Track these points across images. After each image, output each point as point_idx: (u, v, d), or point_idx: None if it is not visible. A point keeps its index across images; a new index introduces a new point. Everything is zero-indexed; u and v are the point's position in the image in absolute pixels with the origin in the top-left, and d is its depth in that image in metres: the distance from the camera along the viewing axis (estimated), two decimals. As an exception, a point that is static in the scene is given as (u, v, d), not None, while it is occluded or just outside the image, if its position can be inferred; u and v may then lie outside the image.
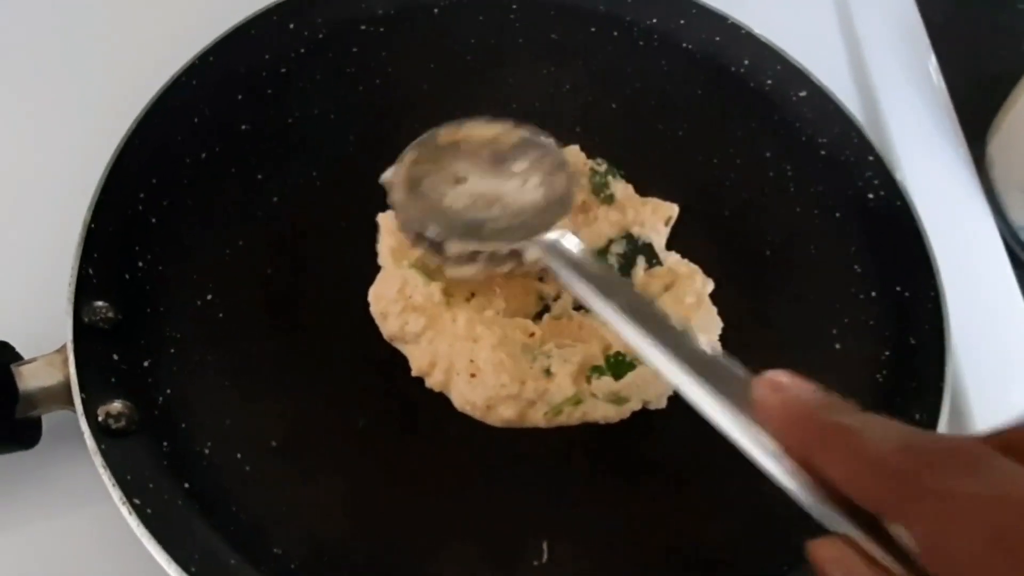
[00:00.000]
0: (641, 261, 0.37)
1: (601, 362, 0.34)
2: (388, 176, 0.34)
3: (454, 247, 0.32)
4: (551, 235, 0.31)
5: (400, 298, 0.34)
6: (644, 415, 0.34)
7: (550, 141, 0.36)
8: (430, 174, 0.34)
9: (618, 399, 0.33)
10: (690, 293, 0.36)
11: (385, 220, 0.37)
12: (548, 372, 0.33)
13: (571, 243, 0.31)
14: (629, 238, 0.38)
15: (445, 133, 0.35)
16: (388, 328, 0.34)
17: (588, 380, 0.33)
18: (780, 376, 0.22)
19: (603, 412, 0.33)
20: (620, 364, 0.34)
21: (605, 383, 0.33)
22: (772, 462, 0.22)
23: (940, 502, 0.18)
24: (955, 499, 0.18)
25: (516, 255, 0.32)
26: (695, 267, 0.37)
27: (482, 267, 0.33)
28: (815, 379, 0.34)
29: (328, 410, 0.33)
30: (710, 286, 0.36)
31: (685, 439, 0.32)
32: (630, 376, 0.33)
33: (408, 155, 0.35)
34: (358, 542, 0.30)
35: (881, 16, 0.53)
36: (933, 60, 0.51)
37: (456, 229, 0.32)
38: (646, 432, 0.34)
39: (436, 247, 0.32)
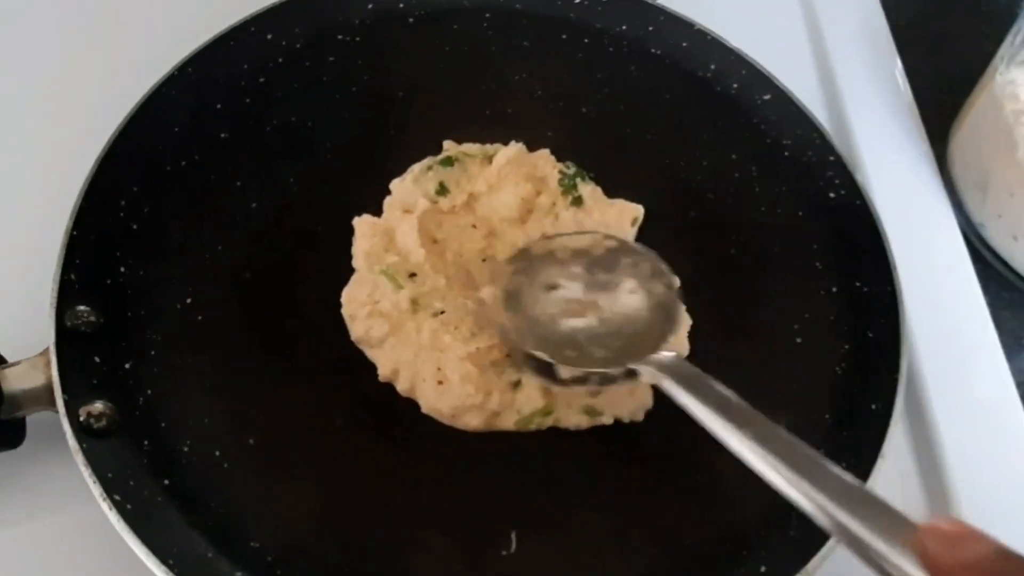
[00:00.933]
0: (609, 261, 0.38)
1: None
2: (486, 295, 0.34)
3: (564, 371, 0.31)
4: (665, 355, 0.30)
5: (368, 302, 0.35)
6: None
7: (642, 248, 0.35)
8: (527, 286, 0.34)
9: (592, 412, 0.34)
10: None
11: (360, 224, 0.38)
12: (517, 385, 0.34)
13: (680, 361, 0.30)
14: (597, 239, 0.39)
15: (539, 245, 0.35)
16: (355, 331, 0.35)
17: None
18: (945, 525, 0.21)
19: (575, 421, 0.34)
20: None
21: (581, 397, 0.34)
22: None
23: None
24: None
25: (631, 373, 0.31)
26: (662, 266, 0.38)
27: (594, 387, 0.32)
28: (779, 373, 0.37)
29: (304, 409, 0.34)
30: (676, 284, 0.38)
31: (651, 445, 0.34)
32: (607, 391, 0.34)
33: (506, 269, 0.34)
34: (332, 535, 0.31)
35: (847, 19, 0.55)
36: (898, 62, 0.53)
37: (558, 345, 0.31)
38: (613, 436, 0.34)
39: (545, 370, 0.31)
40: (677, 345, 0.35)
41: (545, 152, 0.41)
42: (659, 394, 0.34)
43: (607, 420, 0.34)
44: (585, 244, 0.35)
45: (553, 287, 0.34)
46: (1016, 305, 0.44)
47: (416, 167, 0.40)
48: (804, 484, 0.24)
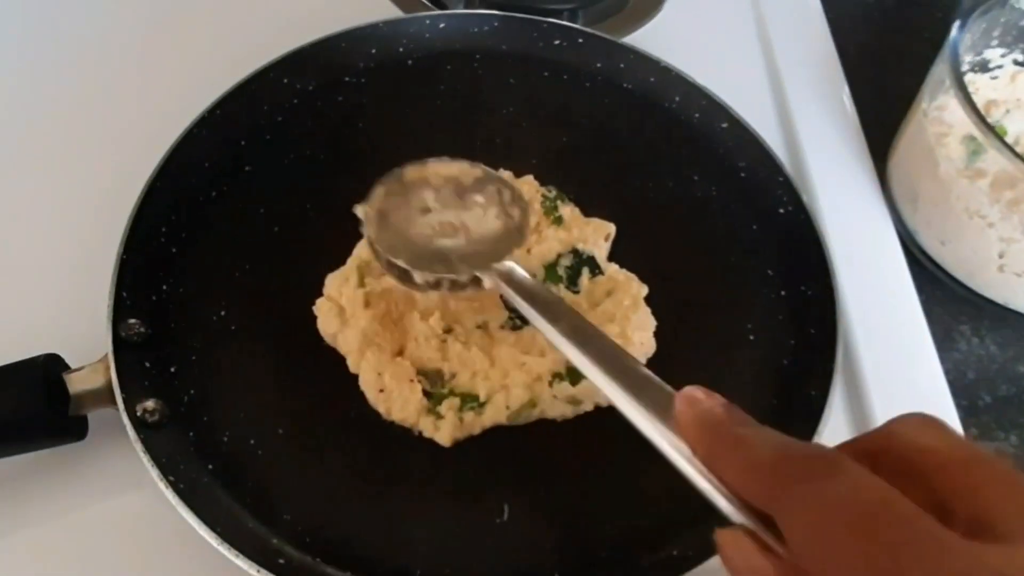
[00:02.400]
0: (586, 271, 0.44)
1: (562, 370, 0.39)
2: (360, 210, 0.38)
3: (419, 276, 0.36)
4: (505, 264, 0.35)
5: (332, 299, 0.40)
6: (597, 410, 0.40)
7: (506, 178, 0.41)
8: (399, 207, 0.38)
9: (574, 401, 0.39)
10: (628, 297, 0.43)
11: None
12: (435, 411, 0.38)
13: (523, 273, 0.35)
14: (575, 252, 0.44)
15: (411, 170, 0.39)
16: (320, 326, 0.41)
17: (550, 384, 0.39)
18: (696, 392, 0.26)
19: (560, 411, 0.39)
20: (577, 373, 0.37)
21: (564, 388, 0.39)
22: (687, 465, 0.26)
23: (802, 501, 0.21)
24: (813, 498, 0.21)
25: (476, 282, 0.36)
26: (632, 275, 0.44)
27: (447, 292, 0.37)
28: (733, 366, 0.42)
29: (324, 402, 0.39)
30: (645, 290, 0.43)
31: (626, 427, 0.39)
32: (585, 382, 0.38)
33: (378, 191, 0.38)
34: (349, 508, 0.36)
35: (799, 46, 0.60)
36: (846, 86, 0.59)
37: (424, 257, 0.36)
38: (593, 419, 0.40)
39: (405, 275, 0.36)
40: (644, 344, 0.41)
41: (530, 178, 0.47)
42: None
43: (588, 407, 0.39)
44: (454, 172, 0.39)
45: (427, 210, 0.38)
46: (946, 302, 0.49)
47: None
48: (598, 366, 0.30)
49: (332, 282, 0.42)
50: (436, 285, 0.36)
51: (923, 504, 0.21)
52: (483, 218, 0.38)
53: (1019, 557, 0.19)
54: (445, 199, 0.39)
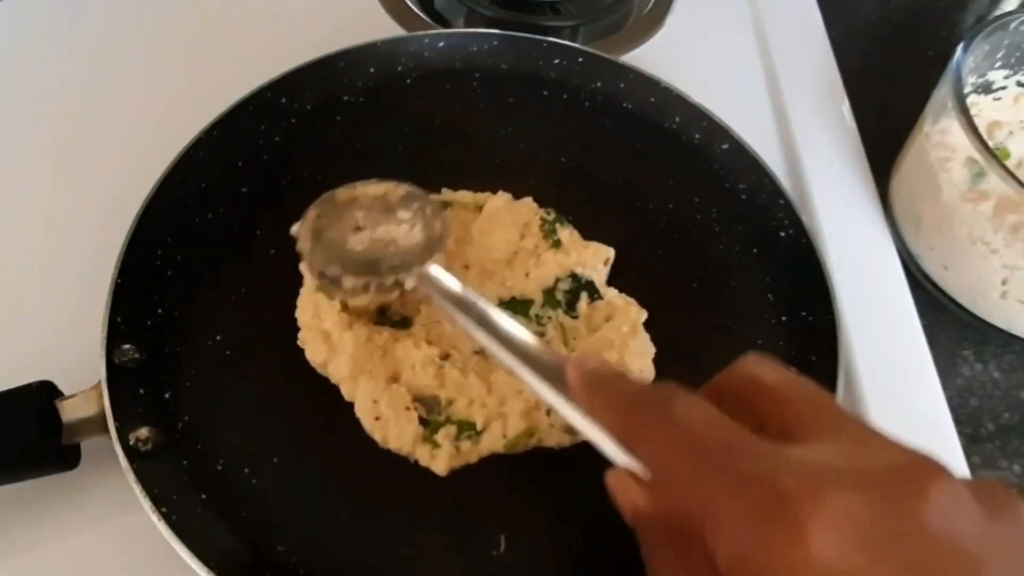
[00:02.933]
0: (584, 296, 0.43)
1: None
2: (295, 229, 0.41)
3: (347, 281, 0.39)
4: (425, 267, 0.38)
5: (314, 324, 0.40)
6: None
7: (427, 195, 0.42)
8: (332, 226, 0.41)
9: (572, 430, 0.37)
10: (626, 323, 0.42)
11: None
12: (432, 439, 0.38)
13: (438, 272, 0.38)
14: (574, 277, 0.44)
15: (342, 192, 0.42)
16: (309, 357, 0.41)
17: (548, 413, 0.38)
18: (584, 358, 0.30)
19: (557, 439, 0.38)
20: None
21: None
22: (580, 420, 0.30)
23: (647, 429, 0.27)
24: (654, 425, 0.26)
25: (399, 285, 0.38)
26: (631, 300, 0.43)
27: (373, 296, 0.39)
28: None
29: (320, 429, 0.39)
30: (644, 316, 0.43)
31: None
32: None
33: (312, 211, 0.41)
34: (345, 540, 0.36)
35: (801, 66, 0.60)
36: (847, 105, 0.58)
37: (356, 268, 0.39)
38: (590, 449, 0.39)
39: (335, 282, 0.39)
40: (643, 371, 0.41)
41: (528, 200, 0.46)
42: None
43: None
44: (381, 191, 0.42)
45: (359, 228, 0.41)
46: (949, 328, 0.49)
47: None
48: (500, 345, 0.33)
49: (303, 306, 0.42)
50: (364, 288, 0.39)
51: (748, 425, 0.25)
52: (409, 232, 0.41)
53: (810, 452, 0.24)
54: (374, 217, 0.41)
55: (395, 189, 0.42)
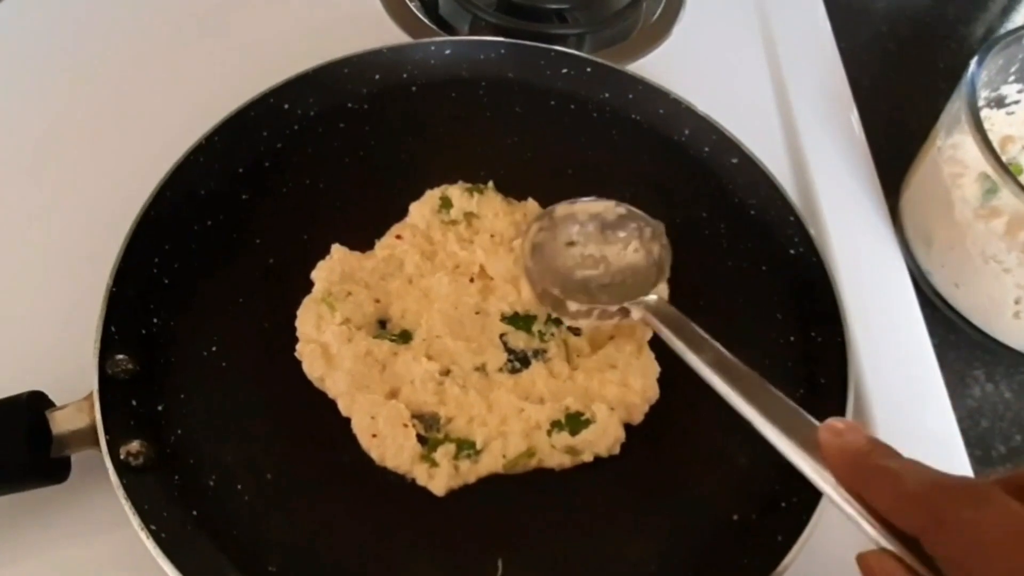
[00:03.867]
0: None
1: (562, 418, 0.38)
2: (517, 245, 0.41)
3: (573, 304, 0.39)
4: (651, 297, 0.38)
5: (314, 336, 0.40)
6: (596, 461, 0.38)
7: (646, 216, 0.42)
8: (548, 241, 0.41)
9: (573, 451, 0.38)
10: (631, 341, 0.41)
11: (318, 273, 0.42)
12: (430, 457, 0.37)
13: (666, 304, 0.38)
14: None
15: (561, 208, 0.42)
16: (306, 371, 0.40)
17: (548, 433, 0.38)
18: (839, 423, 0.29)
19: (558, 460, 0.38)
20: (576, 422, 0.38)
21: (562, 437, 0.37)
22: (832, 492, 0.28)
23: (957, 525, 0.24)
24: (968, 523, 0.24)
25: (624, 312, 0.39)
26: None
27: (595, 321, 0.39)
28: (739, 414, 0.41)
29: (316, 445, 0.38)
30: (649, 334, 0.42)
31: (627, 478, 0.38)
32: (584, 432, 0.37)
33: (533, 226, 0.42)
34: (338, 561, 0.35)
35: (811, 79, 0.60)
36: (857, 118, 0.58)
37: (569, 287, 0.39)
38: (591, 468, 0.38)
39: (559, 304, 0.40)
40: (647, 391, 0.40)
41: (533, 203, 0.46)
42: (631, 428, 0.39)
43: (587, 457, 0.38)
44: (599, 209, 0.42)
45: (571, 243, 0.41)
46: (960, 347, 0.48)
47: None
48: (741, 400, 0.33)
49: (304, 316, 0.41)
50: (587, 314, 0.39)
51: None
52: (623, 252, 0.41)
53: None
54: (589, 234, 0.42)
55: (614, 208, 0.42)
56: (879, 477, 0.27)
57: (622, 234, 0.42)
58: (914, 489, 0.26)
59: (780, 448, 0.30)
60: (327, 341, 0.39)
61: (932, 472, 0.27)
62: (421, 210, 0.45)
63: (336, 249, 0.43)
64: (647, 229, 0.42)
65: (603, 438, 0.38)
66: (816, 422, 0.30)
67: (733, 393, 0.33)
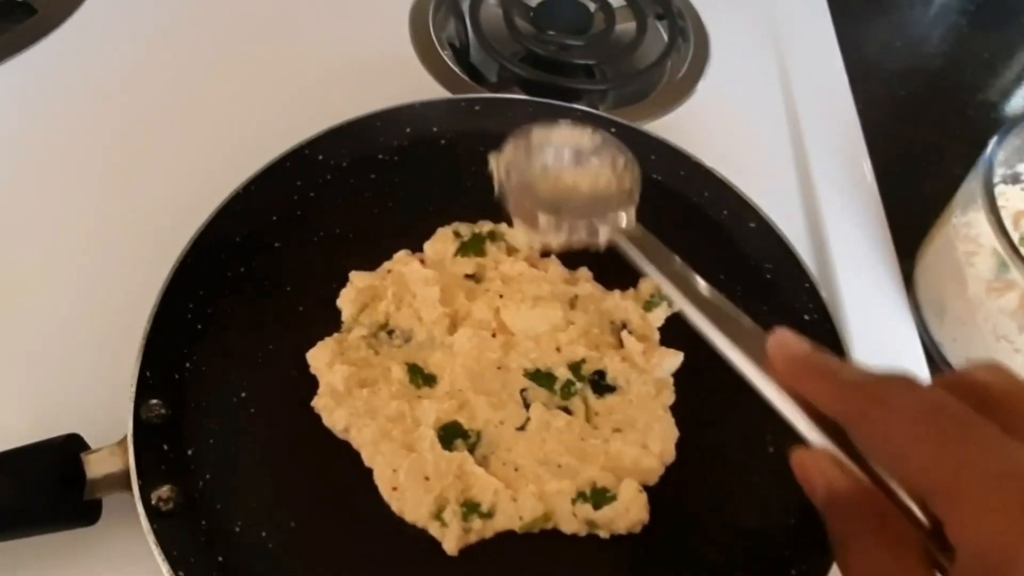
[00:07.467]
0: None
1: (587, 490, 0.39)
2: (492, 159, 0.42)
3: (543, 219, 0.39)
4: (619, 214, 0.39)
5: (328, 384, 0.41)
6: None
7: (622, 145, 0.42)
8: (521, 162, 0.41)
9: (592, 525, 0.38)
10: (654, 404, 0.42)
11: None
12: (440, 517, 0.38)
13: (631, 224, 0.39)
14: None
15: (537, 131, 0.42)
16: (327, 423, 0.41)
17: (573, 502, 0.38)
18: (787, 335, 0.31)
19: (575, 529, 0.38)
20: (601, 497, 0.38)
21: (585, 510, 0.38)
22: (773, 391, 0.30)
23: (881, 413, 0.26)
24: (894, 406, 0.26)
25: (593, 232, 0.39)
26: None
27: (565, 237, 0.39)
28: (752, 478, 0.42)
29: (339, 494, 0.39)
30: (672, 399, 0.43)
31: (645, 556, 0.39)
32: (607, 509, 0.38)
33: (508, 144, 0.42)
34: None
35: (829, 141, 0.61)
36: (874, 182, 0.59)
37: (546, 207, 0.39)
38: (610, 544, 0.39)
39: (531, 217, 0.39)
40: (664, 455, 0.41)
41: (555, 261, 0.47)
42: (655, 510, 0.40)
43: (604, 535, 0.39)
44: (575, 135, 0.42)
45: (545, 168, 0.41)
46: (970, 420, 0.49)
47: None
48: (695, 307, 0.34)
49: (319, 353, 0.42)
50: (557, 228, 0.39)
51: None
52: (596, 179, 0.41)
53: None
54: (563, 159, 0.41)
55: (590, 135, 0.42)
56: (818, 371, 0.29)
57: (595, 161, 0.41)
58: (850, 378, 0.27)
59: (728, 355, 0.32)
60: (336, 383, 0.40)
61: (869, 368, 0.28)
62: (435, 246, 0.47)
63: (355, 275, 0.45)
64: (620, 158, 0.42)
65: (625, 517, 0.38)
66: (763, 332, 0.32)
67: (687, 304, 0.34)
